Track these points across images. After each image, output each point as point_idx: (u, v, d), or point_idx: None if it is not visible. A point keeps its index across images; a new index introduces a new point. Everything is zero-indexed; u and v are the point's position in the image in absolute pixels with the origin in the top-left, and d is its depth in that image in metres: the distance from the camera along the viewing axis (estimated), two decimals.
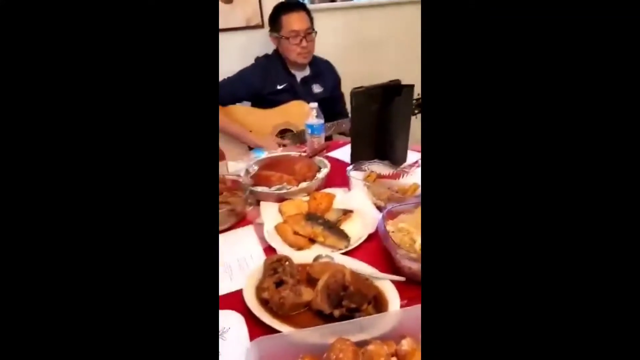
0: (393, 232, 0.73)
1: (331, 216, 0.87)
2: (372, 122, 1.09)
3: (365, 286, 0.63)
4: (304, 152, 1.22)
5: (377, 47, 2.16)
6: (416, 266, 0.65)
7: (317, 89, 1.69)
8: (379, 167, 1.06)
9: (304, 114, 1.32)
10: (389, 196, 0.90)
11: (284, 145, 1.54)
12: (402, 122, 1.10)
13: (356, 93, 1.04)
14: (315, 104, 1.20)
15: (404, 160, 1.16)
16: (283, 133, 1.61)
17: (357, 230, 0.83)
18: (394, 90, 1.06)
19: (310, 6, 2.02)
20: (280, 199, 0.96)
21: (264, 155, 1.20)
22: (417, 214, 0.76)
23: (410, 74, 2.08)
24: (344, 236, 0.78)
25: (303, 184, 0.99)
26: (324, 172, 1.05)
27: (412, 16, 2.13)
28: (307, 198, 0.96)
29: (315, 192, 0.97)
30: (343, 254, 0.75)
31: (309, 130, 1.20)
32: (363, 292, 0.61)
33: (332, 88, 1.74)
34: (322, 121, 1.21)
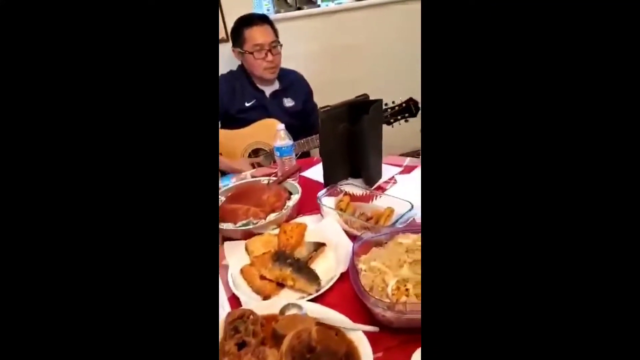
0: (365, 272, 0.67)
1: (302, 252, 0.81)
2: (341, 141, 1.03)
3: (334, 342, 0.57)
4: (276, 174, 1.16)
5: (348, 53, 2.11)
6: (390, 313, 0.59)
7: (288, 102, 1.62)
8: (353, 188, 1.00)
9: (275, 131, 1.26)
10: (362, 225, 0.84)
11: (259, 165, 1.47)
12: (373, 139, 1.05)
13: (321, 113, 0.97)
14: (282, 126, 1.14)
15: (379, 177, 1.11)
16: (256, 153, 1.54)
17: (330, 268, 0.77)
18: (361, 106, 1.00)
19: (276, 15, 1.96)
20: (248, 234, 0.90)
21: (231, 183, 1.14)
22: (390, 248, 0.71)
23: (384, 77, 2.04)
24: (315, 278, 0.72)
25: (271, 216, 0.92)
26: (295, 199, 0.98)
27: (384, 19, 2.08)
28: (276, 231, 0.89)
29: (285, 223, 0.90)
30: (313, 300, 0.69)
31: (278, 153, 1.14)
32: (332, 350, 0.55)
33: (304, 100, 1.67)
34: (290, 142, 1.15)
